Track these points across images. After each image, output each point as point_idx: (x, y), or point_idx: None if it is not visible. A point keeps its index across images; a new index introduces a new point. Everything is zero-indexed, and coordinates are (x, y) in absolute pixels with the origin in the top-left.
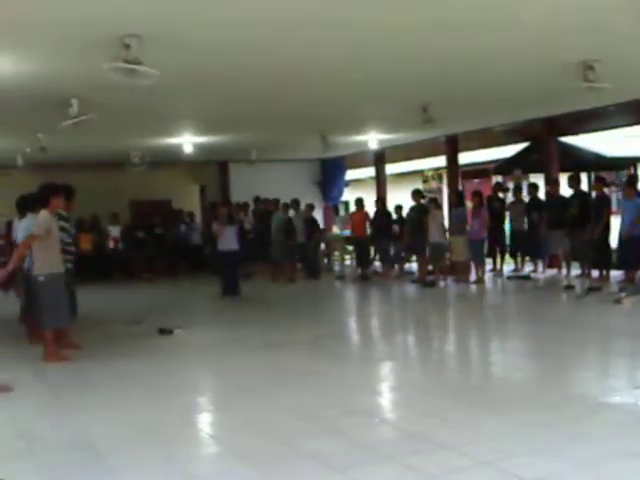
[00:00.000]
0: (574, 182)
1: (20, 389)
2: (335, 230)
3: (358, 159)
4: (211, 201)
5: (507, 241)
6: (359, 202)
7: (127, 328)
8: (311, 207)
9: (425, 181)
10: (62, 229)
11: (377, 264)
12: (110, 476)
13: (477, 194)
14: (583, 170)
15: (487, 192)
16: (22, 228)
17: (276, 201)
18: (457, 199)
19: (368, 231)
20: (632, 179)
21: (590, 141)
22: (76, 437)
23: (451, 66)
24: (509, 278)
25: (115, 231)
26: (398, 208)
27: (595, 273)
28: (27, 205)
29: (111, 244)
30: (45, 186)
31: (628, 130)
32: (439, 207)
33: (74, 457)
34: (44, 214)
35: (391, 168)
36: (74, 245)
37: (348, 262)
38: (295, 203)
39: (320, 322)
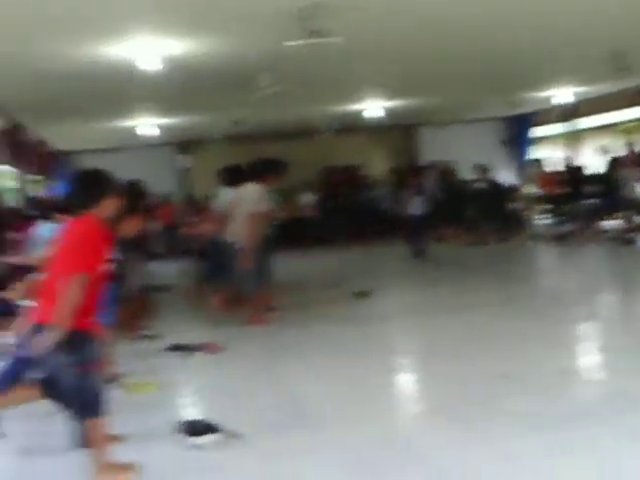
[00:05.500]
0: None
1: (228, 350)
2: (526, 189)
3: (545, 115)
4: (397, 166)
5: None
6: (548, 160)
7: (324, 292)
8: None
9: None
10: (269, 202)
11: (571, 223)
12: (315, 432)
13: None
14: None
15: None
16: (224, 199)
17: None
18: None
19: (561, 189)
20: None
21: None
22: (281, 395)
23: None
24: None
25: (307, 199)
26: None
27: None
28: (232, 177)
29: (304, 212)
30: (262, 162)
31: None
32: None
33: (280, 414)
34: (258, 189)
35: (582, 123)
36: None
37: (541, 222)
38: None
39: (513, 283)
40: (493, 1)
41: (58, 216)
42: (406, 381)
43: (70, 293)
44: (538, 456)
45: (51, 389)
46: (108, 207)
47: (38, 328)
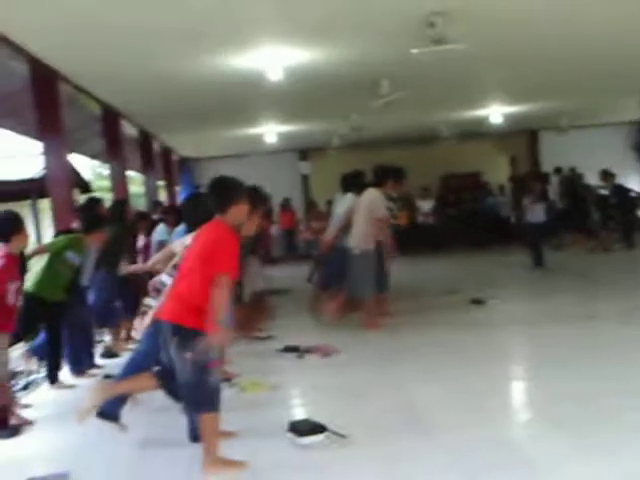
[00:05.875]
0: None
1: (342, 353)
2: None
3: None
4: (519, 173)
5: None
6: None
7: (441, 298)
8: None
9: None
10: (388, 209)
11: None
12: (426, 437)
13: None
14: None
15: None
16: (342, 205)
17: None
18: None
19: None
20: None
21: None
22: (396, 398)
23: None
24: None
25: (426, 206)
26: None
27: None
28: (352, 183)
29: (422, 218)
30: (381, 168)
31: None
32: None
33: (392, 417)
34: (378, 195)
35: None
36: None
37: None
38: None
39: (637, 293)
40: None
41: (173, 220)
42: (522, 390)
43: (221, 295)
44: None
45: (169, 382)
46: (239, 213)
47: (165, 326)
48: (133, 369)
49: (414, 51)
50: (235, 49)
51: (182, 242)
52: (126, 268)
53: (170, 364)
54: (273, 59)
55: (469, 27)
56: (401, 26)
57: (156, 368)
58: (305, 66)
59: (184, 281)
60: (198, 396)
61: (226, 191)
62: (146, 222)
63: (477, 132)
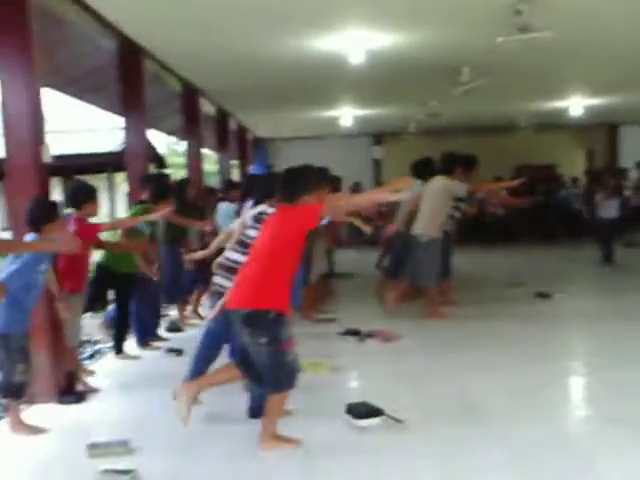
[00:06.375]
0: None
1: (402, 338)
2: None
3: None
4: (595, 166)
5: None
6: None
7: (506, 290)
8: None
9: None
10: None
11: None
12: (480, 425)
13: None
14: None
15: None
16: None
17: None
18: None
19: None
20: None
21: None
22: (453, 385)
23: None
24: None
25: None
26: None
27: None
28: (422, 169)
29: (494, 209)
30: (452, 155)
31: None
32: None
33: (447, 404)
34: (447, 182)
35: None
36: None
37: None
38: None
39: None
40: None
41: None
42: (581, 384)
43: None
44: None
45: (249, 369)
46: (310, 201)
47: (236, 313)
48: (202, 351)
49: (500, 39)
50: (319, 31)
51: (241, 221)
52: (190, 257)
53: (246, 350)
54: (356, 42)
55: (554, 16)
56: (487, 13)
57: (235, 358)
58: (388, 50)
59: (255, 264)
60: (277, 376)
61: (295, 183)
62: (215, 197)
63: (555, 124)
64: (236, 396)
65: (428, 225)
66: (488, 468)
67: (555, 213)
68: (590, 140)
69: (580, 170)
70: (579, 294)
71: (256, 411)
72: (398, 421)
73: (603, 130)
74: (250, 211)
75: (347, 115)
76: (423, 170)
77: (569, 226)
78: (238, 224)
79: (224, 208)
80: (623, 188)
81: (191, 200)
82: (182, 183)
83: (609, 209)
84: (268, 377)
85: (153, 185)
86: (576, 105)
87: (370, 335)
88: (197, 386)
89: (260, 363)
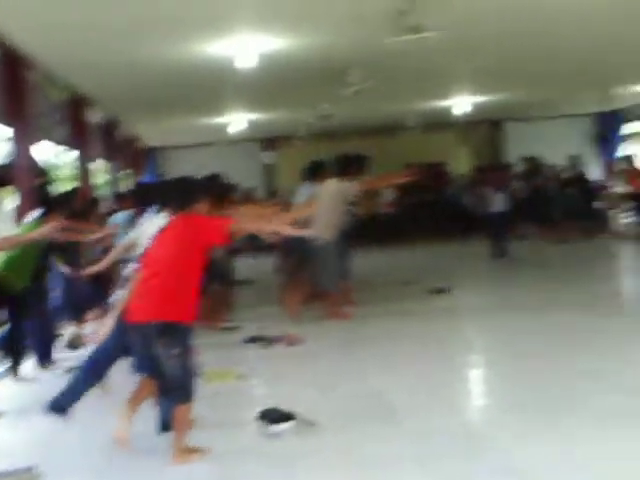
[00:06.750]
0: None
1: (307, 342)
2: (614, 186)
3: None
4: (481, 163)
5: None
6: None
7: (402, 288)
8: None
9: None
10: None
11: None
12: (390, 422)
13: None
14: None
15: None
16: (303, 194)
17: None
18: None
19: None
20: None
21: None
22: (361, 386)
23: None
24: None
25: (388, 195)
26: None
27: None
28: (314, 172)
29: (384, 208)
30: (343, 157)
31: None
32: None
33: (356, 405)
34: (339, 184)
35: None
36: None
37: (627, 220)
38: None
39: (596, 282)
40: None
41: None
42: (484, 377)
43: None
44: (621, 458)
45: (158, 377)
46: (202, 209)
47: (142, 327)
48: (96, 364)
49: (387, 40)
50: (209, 36)
51: (143, 231)
52: (84, 272)
53: (156, 361)
54: (247, 46)
55: (441, 16)
56: (375, 15)
57: (144, 371)
58: (278, 53)
59: (159, 276)
60: (187, 386)
61: (188, 191)
62: (97, 208)
63: (441, 122)
64: (143, 411)
65: (322, 228)
66: (399, 462)
67: (445, 210)
68: (475, 137)
69: (467, 167)
70: (474, 289)
71: (167, 425)
72: (310, 424)
73: (488, 126)
74: (155, 220)
75: (238, 121)
76: (314, 172)
77: (460, 222)
78: (137, 234)
79: (119, 217)
80: (509, 182)
81: (79, 211)
82: (69, 194)
83: (497, 203)
84: (178, 388)
85: (40, 198)
86: (461, 103)
87: (275, 341)
88: (131, 408)
89: (169, 374)
